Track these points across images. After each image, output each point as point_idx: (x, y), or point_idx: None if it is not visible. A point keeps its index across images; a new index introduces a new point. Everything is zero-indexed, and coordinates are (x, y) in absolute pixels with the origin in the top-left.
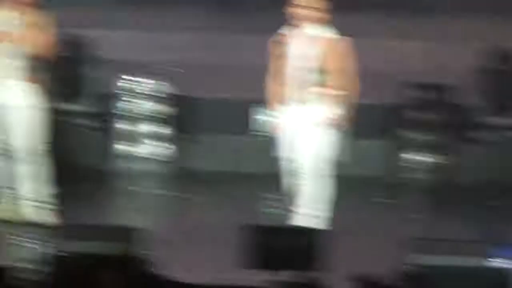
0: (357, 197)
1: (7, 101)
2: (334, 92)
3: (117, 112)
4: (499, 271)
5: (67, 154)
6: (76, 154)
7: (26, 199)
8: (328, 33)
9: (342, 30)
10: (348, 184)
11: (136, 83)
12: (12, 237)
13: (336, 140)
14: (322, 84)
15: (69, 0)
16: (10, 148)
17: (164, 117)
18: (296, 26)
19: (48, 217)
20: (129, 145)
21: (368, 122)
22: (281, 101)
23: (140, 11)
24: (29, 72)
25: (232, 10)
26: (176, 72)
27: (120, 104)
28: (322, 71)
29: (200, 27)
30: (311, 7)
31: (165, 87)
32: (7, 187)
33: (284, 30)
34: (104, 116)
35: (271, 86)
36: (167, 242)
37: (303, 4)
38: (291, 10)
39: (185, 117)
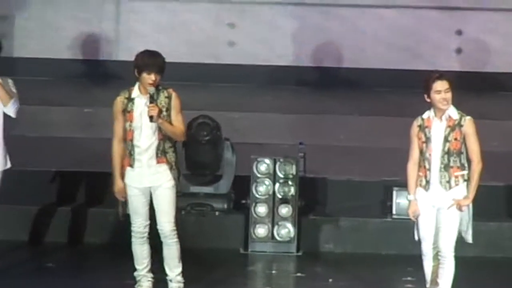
0: (487, 278)
1: (151, 183)
2: (468, 173)
3: (253, 195)
4: None
5: (205, 237)
6: (214, 238)
7: (169, 281)
8: (459, 114)
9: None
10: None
11: (271, 165)
12: None
13: (467, 221)
14: (460, 166)
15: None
16: (146, 230)
17: (301, 199)
18: (434, 109)
19: None
20: (265, 228)
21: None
22: (423, 185)
23: (271, 93)
24: (166, 153)
25: (367, 91)
26: (308, 153)
27: (255, 187)
28: (459, 152)
29: (335, 108)
30: (446, 90)
31: (299, 169)
32: (146, 270)
33: (425, 114)
34: (240, 199)
35: (411, 169)
36: None
37: (438, 88)
38: (428, 94)
39: (322, 199)
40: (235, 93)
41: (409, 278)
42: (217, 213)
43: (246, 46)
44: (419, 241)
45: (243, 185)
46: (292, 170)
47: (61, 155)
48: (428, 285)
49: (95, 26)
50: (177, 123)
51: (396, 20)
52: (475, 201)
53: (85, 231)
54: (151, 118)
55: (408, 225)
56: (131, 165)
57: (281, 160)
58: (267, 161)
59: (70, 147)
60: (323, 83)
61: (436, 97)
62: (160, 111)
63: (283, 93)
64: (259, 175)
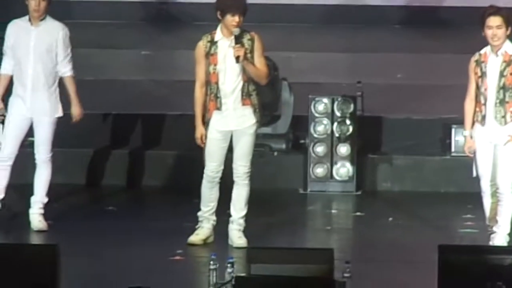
0: None
1: (236, 126)
2: None
3: (311, 135)
4: None
5: (264, 177)
6: (273, 178)
7: (231, 223)
8: None
9: None
10: None
11: (329, 104)
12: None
13: None
14: None
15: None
16: (218, 175)
17: (359, 138)
18: (491, 45)
19: (244, 240)
20: (324, 167)
21: None
22: (479, 121)
23: (328, 32)
24: (250, 95)
25: (426, 29)
26: (366, 92)
27: (313, 127)
28: None
29: (393, 47)
30: (498, 27)
31: (357, 108)
32: (210, 212)
33: (482, 50)
34: (299, 139)
35: (467, 105)
36: (364, 263)
37: (490, 24)
38: (484, 30)
39: (380, 138)
40: (291, 33)
41: (468, 216)
42: (275, 153)
43: None
44: (478, 178)
45: (301, 125)
46: (350, 109)
47: (118, 98)
48: (487, 222)
49: None
50: (260, 66)
51: None
52: None
53: (143, 173)
54: (237, 58)
55: (467, 163)
56: (219, 108)
57: (339, 99)
58: (325, 100)
59: (127, 89)
60: (380, 21)
61: (487, 32)
62: (246, 52)
63: (340, 32)
64: (317, 115)
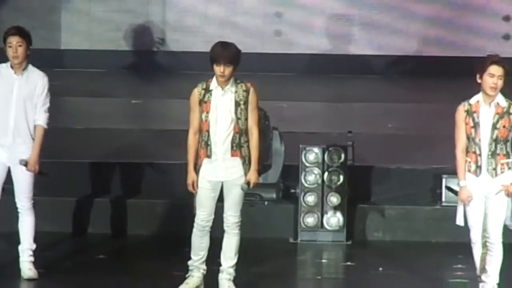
0: None
1: (225, 177)
2: None
3: (302, 184)
4: None
5: (254, 227)
6: (263, 227)
7: (221, 272)
8: (508, 102)
9: None
10: None
11: (319, 154)
12: None
13: (510, 208)
14: (506, 154)
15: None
16: (209, 224)
17: (350, 188)
18: (483, 94)
19: None
20: (315, 217)
21: None
22: (472, 171)
23: (319, 82)
24: (241, 147)
25: (415, 79)
26: (357, 142)
27: (304, 176)
28: (506, 140)
29: (383, 97)
30: (499, 77)
31: (348, 158)
32: (200, 261)
33: (472, 99)
34: (289, 189)
35: (460, 156)
36: None
37: (493, 72)
38: (481, 75)
39: (371, 188)
40: (283, 82)
41: (459, 266)
42: (266, 203)
43: (292, 35)
44: (468, 228)
45: (292, 174)
46: (341, 158)
47: (109, 147)
48: (478, 272)
49: (142, 17)
50: (252, 120)
51: (443, 7)
52: None
53: (133, 222)
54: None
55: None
56: (209, 156)
57: (330, 149)
58: (316, 150)
59: (118, 138)
60: (372, 71)
61: (488, 80)
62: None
63: (331, 82)
64: (308, 164)
